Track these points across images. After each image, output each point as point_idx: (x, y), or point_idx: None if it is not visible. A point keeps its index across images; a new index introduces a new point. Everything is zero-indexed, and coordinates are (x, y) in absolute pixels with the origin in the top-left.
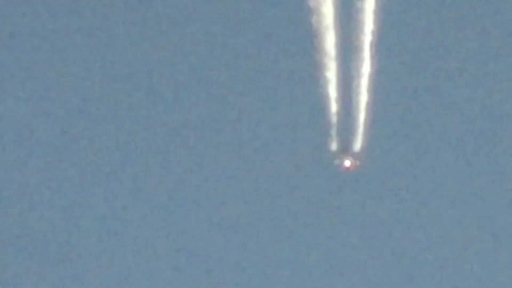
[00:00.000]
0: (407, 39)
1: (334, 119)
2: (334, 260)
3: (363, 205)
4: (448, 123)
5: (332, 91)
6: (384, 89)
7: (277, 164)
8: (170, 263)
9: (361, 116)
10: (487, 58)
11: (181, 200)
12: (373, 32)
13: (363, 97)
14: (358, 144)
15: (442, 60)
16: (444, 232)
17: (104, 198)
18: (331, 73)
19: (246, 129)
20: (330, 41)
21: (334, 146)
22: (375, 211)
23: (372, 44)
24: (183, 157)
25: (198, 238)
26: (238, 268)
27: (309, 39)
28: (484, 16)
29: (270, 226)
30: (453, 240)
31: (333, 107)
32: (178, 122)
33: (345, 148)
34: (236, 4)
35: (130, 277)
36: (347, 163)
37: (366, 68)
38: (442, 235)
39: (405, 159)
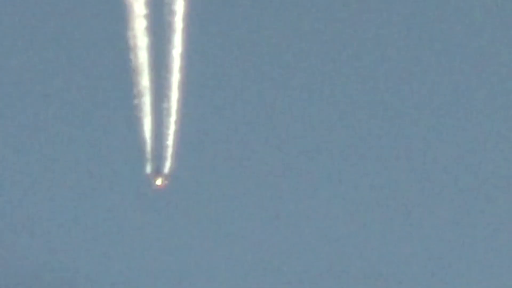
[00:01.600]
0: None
1: (148, 146)
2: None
3: (170, 218)
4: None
5: (148, 123)
6: (189, 122)
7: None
8: None
9: (170, 145)
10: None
11: None
12: (180, 69)
13: (171, 129)
14: (167, 167)
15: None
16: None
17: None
18: (146, 109)
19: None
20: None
21: (148, 168)
22: (180, 224)
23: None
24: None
25: None
26: None
27: (127, 76)
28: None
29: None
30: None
31: (148, 136)
32: None
33: (157, 170)
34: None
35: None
36: (159, 182)
37: (173, 103)
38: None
39: (205, 178)
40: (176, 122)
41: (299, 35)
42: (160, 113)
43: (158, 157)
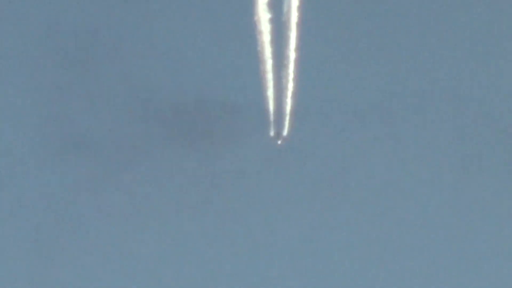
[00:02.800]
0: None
1: (272, 114)
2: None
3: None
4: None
5: (271, 92)
6: (304, 93)
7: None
8: None
9: (287, 112)
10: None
11: None
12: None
13: (288, 99)
14: (286, 130)
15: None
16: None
17: None
18: (269, 76)
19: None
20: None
21: (272, 132)
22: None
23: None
24: None
25: None
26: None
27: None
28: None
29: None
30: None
31: (271, 104)
32: None
33: (278, 133)
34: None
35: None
36: (279, 142)
37: (291, 74)
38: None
39: (317, 141)
40: (293, 92)
41: None
42: (281, 84)
43: (279, 122)
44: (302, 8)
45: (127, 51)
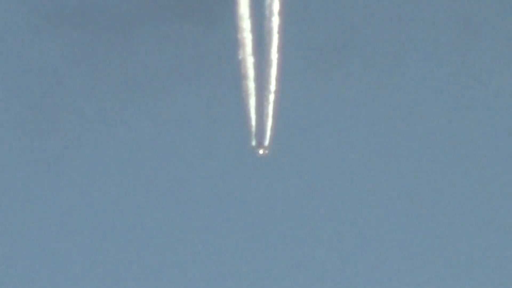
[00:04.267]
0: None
1: (253, 124)
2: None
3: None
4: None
5: (252, 101)
6: (286, 103)
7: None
8: None
9: (269, 122)
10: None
11: None
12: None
13: (270, 108)
14: (267, 140)
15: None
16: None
17: None
18: (251, 89)
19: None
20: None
21: (253, 141)
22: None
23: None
24: None
25: None
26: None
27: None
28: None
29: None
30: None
31: (252, 115)
32: None
33: (260, 143)
34: None
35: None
36: (261, 152)
37: (272, 87)
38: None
39: (300, 150)
40: (275, 102)
41: None
42: (262, 95)
43: (261, 133)
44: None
45: None
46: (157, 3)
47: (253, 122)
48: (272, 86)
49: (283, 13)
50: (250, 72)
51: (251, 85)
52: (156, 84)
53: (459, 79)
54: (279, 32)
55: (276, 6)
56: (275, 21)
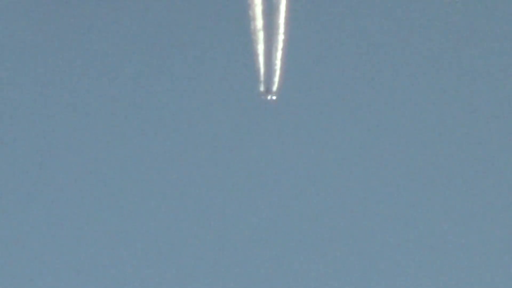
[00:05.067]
0: None
1: (261, 69)
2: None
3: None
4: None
5: (260, 46)
6: (294, 49)
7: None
8: None
9: (278, 66)
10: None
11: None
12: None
13: (278, 52)
14: (276, 86)
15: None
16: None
17: None
18: (259, 33)
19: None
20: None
21: (261, 87)
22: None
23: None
24: None
25: None
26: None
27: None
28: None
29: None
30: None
31: (260, 59)
32: None
33: (268, 89)
34: None
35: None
36: (269, 97)
37: (282, 31)
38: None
39: (305, 96)
40: (283, 49)
41: None
42: (270, 41)
43: (269, 78)
44: None
45: None
46: None
47: (262, 68)
48: (281, 33)
49: None
50: (259, 20)
51: (259, 32)
52: (161, 35)
53: (459, 79)
54: None
55: None
56: None
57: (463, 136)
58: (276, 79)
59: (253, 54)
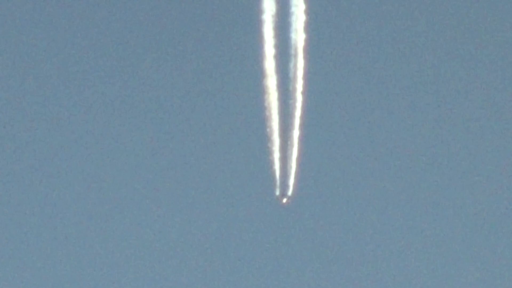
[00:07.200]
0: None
1: (277, 174)
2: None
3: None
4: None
5: (276, 155)
6: (310, 153)
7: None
8: None
9: (292, 173)
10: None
11: None
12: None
13: (293, 160)
14: (290, 190)
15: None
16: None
17: None
18: (275, 143)
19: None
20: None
21: (277, 191)
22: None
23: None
24: None
25: None
26: None
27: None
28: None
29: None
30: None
31: (277, 166)
32: None
33: (283, 193)
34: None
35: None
36: (284, 201)
37: (295, 139)
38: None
39: (321, 201)
40: (298, 153)
41: None
42: (286, 146)
43: (284, 183)
44: (307, 70)
45: None
46: None
47: (277, 172)
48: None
49: (307, 52)
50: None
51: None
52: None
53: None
54: (303, 78)
55: (300, 43)
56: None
57: (463, 136)
58: (291, 183)
59: (269, 159)
